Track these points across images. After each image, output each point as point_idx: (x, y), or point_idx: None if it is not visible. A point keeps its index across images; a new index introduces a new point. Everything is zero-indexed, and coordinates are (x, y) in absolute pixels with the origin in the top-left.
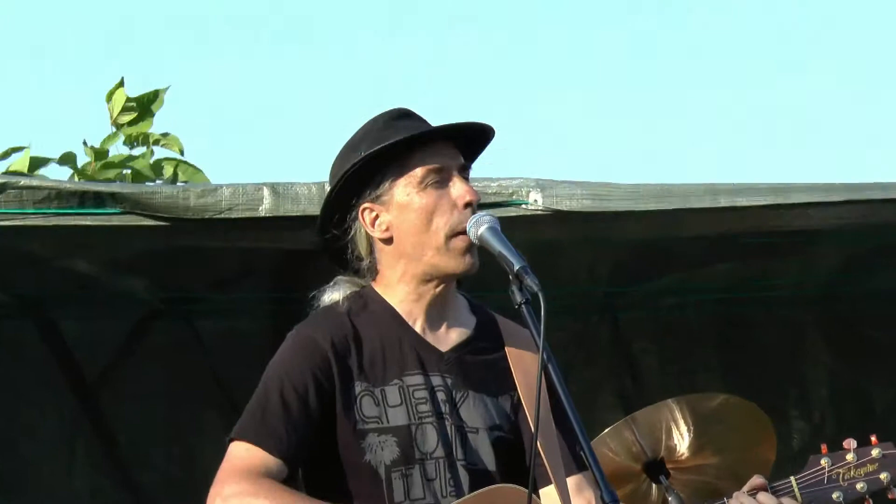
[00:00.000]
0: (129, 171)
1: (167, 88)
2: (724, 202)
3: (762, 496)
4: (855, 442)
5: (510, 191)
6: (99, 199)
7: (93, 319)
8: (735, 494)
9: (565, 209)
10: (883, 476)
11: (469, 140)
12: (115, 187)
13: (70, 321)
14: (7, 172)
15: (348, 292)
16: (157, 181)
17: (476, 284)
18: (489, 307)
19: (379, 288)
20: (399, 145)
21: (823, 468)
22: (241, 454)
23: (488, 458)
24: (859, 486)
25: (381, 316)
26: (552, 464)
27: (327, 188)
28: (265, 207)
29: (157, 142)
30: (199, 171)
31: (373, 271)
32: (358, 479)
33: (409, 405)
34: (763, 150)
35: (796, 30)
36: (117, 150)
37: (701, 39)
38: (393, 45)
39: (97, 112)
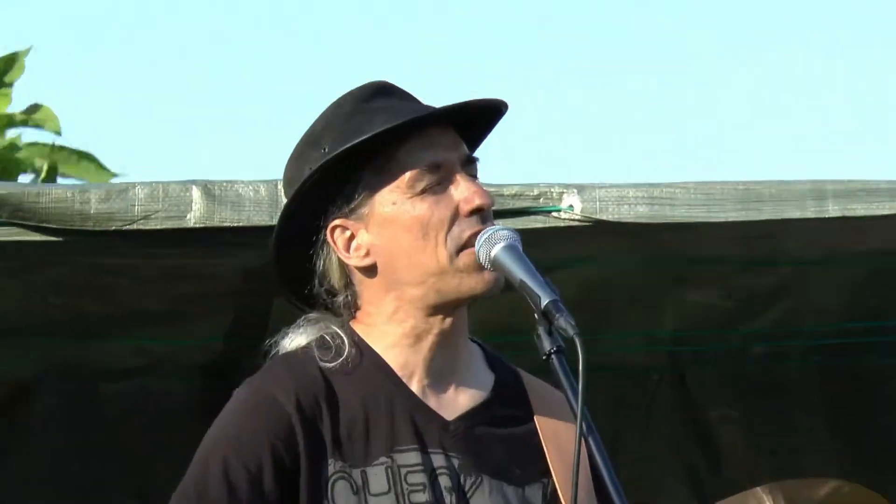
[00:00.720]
0: None
1: (28, 51)
2: (834, 210)
3: None
4: None
5: (535, 193)
6: None
7: None
8: None
9: (612, 218)
10: None
11: (470, 122)
12: None
13: None
14: None
15: (318, 336)
16: (26, 178)
17: (492, 327)
18: (511, 360)
19: (361, 329)
20: (377, 139)
21: None
22: None
23: None
24: None
25: (364, 368)
26: None
27: (282, 192)
28: (195, 215)
29: (23, 122)
30: (91, 159)
31: (351, 307)
32: None
33: (399, 494)
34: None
35: None
36: None
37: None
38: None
39: None
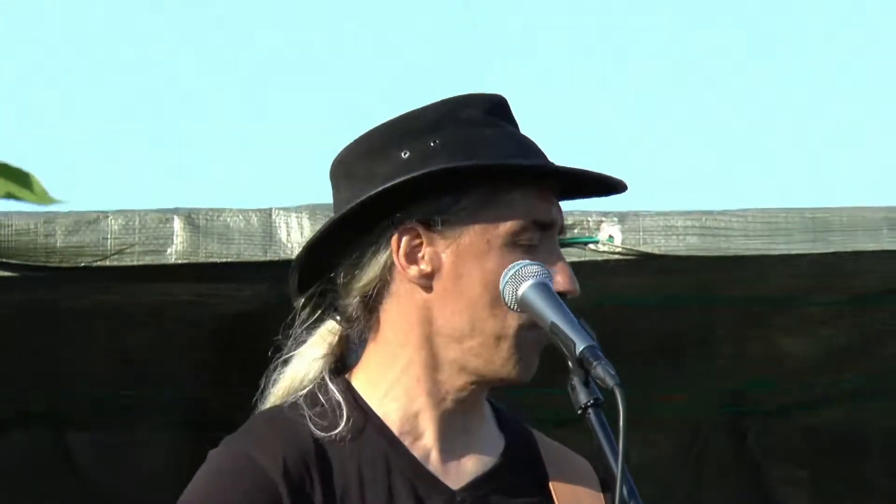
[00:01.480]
0: None
1: None
2: None
3: None
4: None
5: (570, 222)
6: None
7: None
8: None
9: (658, 251)
10: None
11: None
12: None
13: None
14: None
15: (309, 390)
16: None
17: None
18: (526, 417)
19: (359, 382)
20: (514, 170)
21: None
22: None
23: None
24: None
25: (359, 428)
26: None
27: (277, 221)
28: (177, 248)
29: None
30: (31, 182)
31: (360, 327)
32: None
33: None
34: None
35: None
36: None
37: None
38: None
39: None
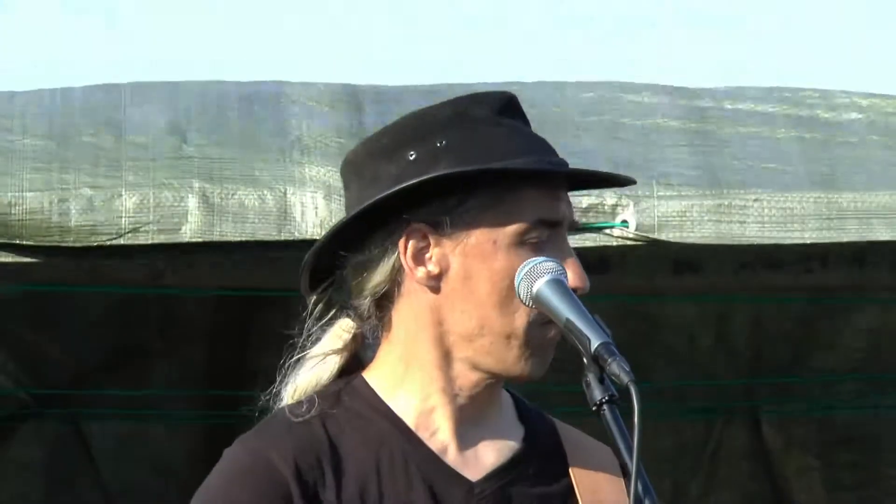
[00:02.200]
0: None
1: None
2: None
3: None
4: None
5: (584, 206)
6: None
7: None
8: None
9: (674, 239)
10: None
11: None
12: None
13: None
14: None
15: (325, 385)
16: None
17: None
18: (545, 410)
19: (373, 378)
20: (521, 172)
21: None
22: None
23: None
24: None
25: (374, 424)
26: None
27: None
28: (191, 226)
29: None
30: None
31: (373, 326)
32: None
33: None
34: None
35: None
36: None
37: None
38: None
39: None
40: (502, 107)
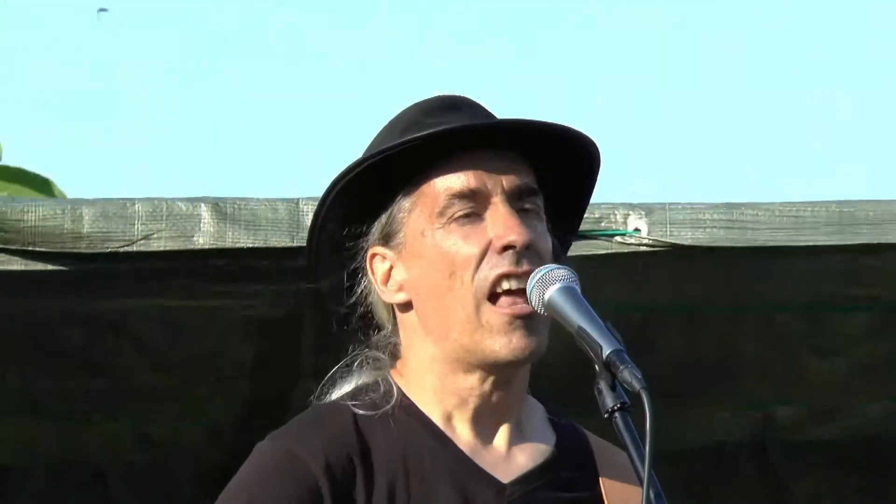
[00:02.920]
0: None
1: None
2: None
3: None
4: None
5: (597, 215)
6: None
7: None
8: None
9: (688, 242)
10: None
11: (563, 165)
12: None
13: None
14: None
15: (357, 385)
16: None
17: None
18: (576, 422)
19: (401, 379)
20: (412, 152)
21: None
22: None
23: None
24: None
25: (405, 423)
26: None
27: (304, 211)
28: (204, 234)
29: None
30: (51, 187)
31: (393, 353)
32: None
33: None
34: None
35: None
36: None
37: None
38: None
39: None
40: (437, 107)
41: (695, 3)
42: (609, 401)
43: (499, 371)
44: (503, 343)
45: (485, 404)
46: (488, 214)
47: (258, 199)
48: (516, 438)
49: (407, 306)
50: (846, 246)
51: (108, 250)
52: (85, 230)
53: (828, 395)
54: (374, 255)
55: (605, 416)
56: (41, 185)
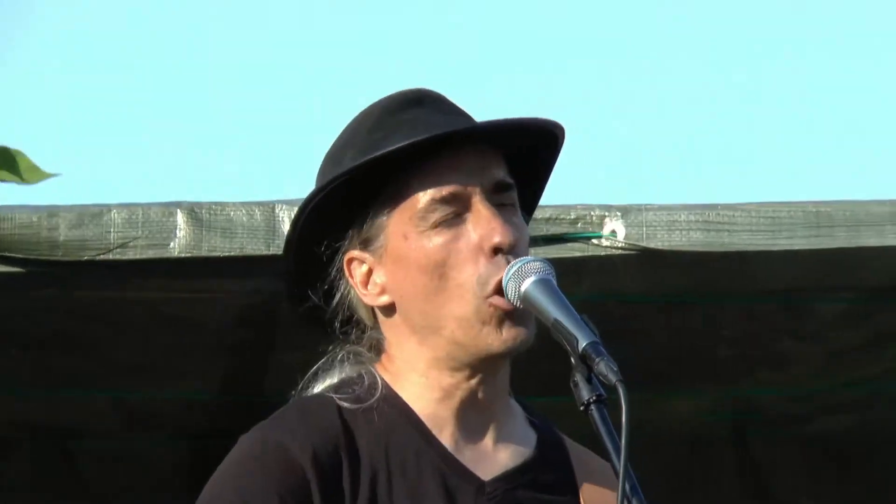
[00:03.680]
0: None
1: None
2: None
3: None
4: None
5: (573, 217)
6: None
7: None
8: None
9: (662, 246)
10: None
11: (526, 147)
12: None
13: None
14: None
15: (342, 377)
16: None
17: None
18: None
19: (386, 374)
20: (389, 158)
21: None
22: None
23: None
24: None
25: (390, 417)
26: None
27: (280, 216)
28: (180, 242)
29: None
30: (17, 160)
31: (377, 348)
32: None
33: None
34: None
35: None
36: None
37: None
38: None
39: None
40: (402, 103)
41: (673, 3)
42: (585, 393)
43: (487, 366)
44: (497, 336)
45: (469, 401)
46: (470, 214)
47: (234, 203)
48: (498, 437)
49: (390, 308)
50: (822, 251)
51: (85, 258)
52: (61, 239)
53: (806, 380)
54: (351, 259)
55: (581, 408)
56: (7, 159)
